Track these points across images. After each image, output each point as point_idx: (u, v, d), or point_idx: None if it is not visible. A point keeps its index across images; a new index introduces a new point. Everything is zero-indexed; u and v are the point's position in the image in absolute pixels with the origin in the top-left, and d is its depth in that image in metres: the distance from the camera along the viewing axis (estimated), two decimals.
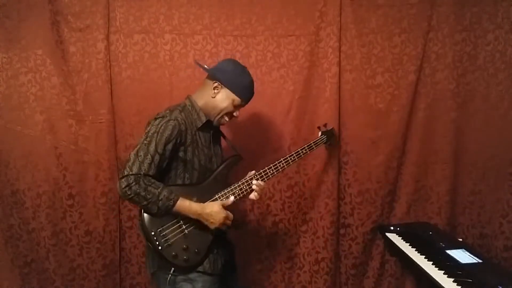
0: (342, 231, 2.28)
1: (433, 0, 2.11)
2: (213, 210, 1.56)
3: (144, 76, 2.13)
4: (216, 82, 1.62)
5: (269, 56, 2.16)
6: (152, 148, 1.49)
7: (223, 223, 1.57)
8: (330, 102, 2.16)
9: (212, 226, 1.56)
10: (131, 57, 2.11)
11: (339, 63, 2.15)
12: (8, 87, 2.04)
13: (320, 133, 1.97)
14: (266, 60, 2.16)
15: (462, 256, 1.80)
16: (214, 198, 1.62)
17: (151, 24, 2.10)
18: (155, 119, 1.57)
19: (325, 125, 2.02)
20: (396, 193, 2.26)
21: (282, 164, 1.77)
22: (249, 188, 1.68)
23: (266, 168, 1.73)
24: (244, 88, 1.66)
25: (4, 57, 2.03)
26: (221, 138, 1.82)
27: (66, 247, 2.15)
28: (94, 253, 2.17)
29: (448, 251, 1.85)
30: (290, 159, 1.80)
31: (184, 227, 1.56)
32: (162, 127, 1.52)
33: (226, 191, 1.65)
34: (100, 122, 2.10)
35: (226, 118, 1.68)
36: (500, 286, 1.52)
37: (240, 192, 1.67)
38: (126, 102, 2.13)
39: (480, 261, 1.75)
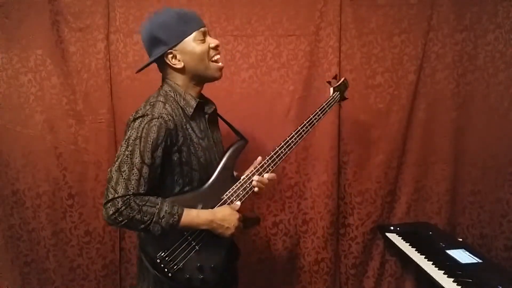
0: (342, 231, 2.28)
1: (433, 0, 2.11)
2: (225, 213, 1.33)
3: (144, 76, 2.11)
4: (166, 55, 1.33)
5: (269, 56, 2.16)
6: (137, 159, 1.21)
7: (238, 226, 1.35)
8: None
9: (227, 232, 1.33)
10: (131, 57, 2.11)
11: (339, 63, 2.15)
12: (8, 87, 2.04)
13: (331, 90, 1.71)
14: (266, 60, 2.16)
15: (462, 256, 1.80)
16: (223, 200, 1.40)
17: None
18: (134, 119, 1.27)
19: (335, 77, 1.77)
20: (396, 193, 2.26)
21: (294, 138, 1.51)
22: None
23: (277, 147, 1.49)
24: (182, 22, 1.32)
25: (4, 57, 2.03)
26: (218, 120, 1.56)
27: (66, 247, 2.15)
28: (94, 253, 2.17)
29: (448, 251, 1.85)
30: (303, 130, 1.53)
31: (193, 243, 1.33)
32: (145, 130, 1.23)
33: (235, 188, 1.42)
34: (100, 122, 2.10)
35: (216, 57, 1.38)
36: (500, 286, 1.52)
37: (251, 186, 1.45)
38: (126, 102, 2.13)
39: (480, 261, 1.75)
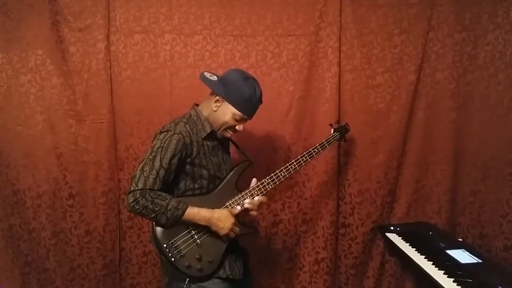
0: (342, 231, 2.28)
1: (433, 0, 2.11)
2: (222, 215, 1.58)
3: (144, 76, 2.13)
4: (217, 96, 1.61)
5: (269, 56, 2.16)
6: (157, 163, 1.51)
7: (232, 229, 1.58)
8: (330, 102, 2.16)
9: (222, 232, 1.57)
10: (131, 57, 2.11)
11: (339, 63, 2.15)
12: (8, 87, 2.05)
13: (332, 131, 1.93)
14: (266, 60, 2.16)
15: (462, 256, 1.80)
16: (225, 206, 1.64)
17: (151, 24, 2.10)
18: (160, 132, 1.58)
19: (337, 122, 2.00)
20: (396, 193, 2.26)
21: (294, 165, 1.75)
22: (260, 193, 1.68)
23: (277, 171, 1.72)
24: (245, 102, 1.61)
25: (4, 57, 2.03)
26: (230, 143, 1.82)
27: (66, 247, 2.16)
28: (94, 253, 2.18)
29: (448, 251, 1.85)
30: (302, 159, 1.77)
31: (196, 236, 1.58)
32: (167, 142, 1.54)
33: (236, 197, 1.66)
34: (100, 122, 2.11)
35: (230, 132, 1.67)
36: (500, 286, 1.52)
37: (251, 198, 1.67)
38: (126, 102, 2.13)
39: (480, 261, 1.75)
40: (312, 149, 1.80)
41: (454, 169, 2.18)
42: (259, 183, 1.69)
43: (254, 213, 1.70)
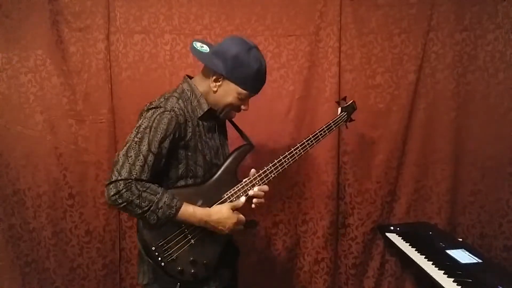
0: (342, 231, 2.28)
1: (433, 0, 2.11)
2: (221, 216, 1.36)
3: (144, 76, 2.13)
4: (215, 73, 1.37)
5: (269, 56, 2.16)
6: (144, 147, 1.26)
7: (234, 229, 1.39)
8: (330, 102, 2.16)
9: (222, 233, 1.38)
10: (131, 57, 2.11)
11: (339, 63, 2.15)
12: (8, 87, 2.04)
13: (339, 110, 1.75)
14: (266, 60, 2.15)
15: (462, 256, 1.80)
16: (223, 199, 1.43)
17: (151, 24, 2.10)
18: (148, 110, 1.34)
19: (344, 99, 1.80)
20: (396, 193, 2.26)
21: (299, 150, 1.56)
22: (262, 183, 1.49)
23: (281, 157, 1.53)
24: (252, 79, 1.38)
25: (4, 57, 2.03)
26: (227, 125, 1.62)
27: (66, 247, 2.15)
28: (94, 253, 2.17)
29: (448, 251, 1.85)
30: (308, 143, 1.57)
31: (189, 236, 1.37)
32: (156, 121, 1.28)
33: (236, 189, 1.45)
34: (100, 122, 2.10)
35: (234, 113, 1.48)
36: (500, 286, 1.52)
37: (252, 188, 1.48)
38: (126, 102, 2.13)
39: (480, 261, 1.75)
40: (319, 132, 1.62)
41: (454, 169, 2.19)
42: (261, 171, 1.49)
43: (261, 200, 1.49)
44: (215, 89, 1.39)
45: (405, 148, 2.22)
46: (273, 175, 1.52)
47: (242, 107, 1.45)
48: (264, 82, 1.45)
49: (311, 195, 2.24)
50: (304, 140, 1.59)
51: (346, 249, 2.28)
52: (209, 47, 1.42)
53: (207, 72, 1.41)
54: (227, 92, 1.39)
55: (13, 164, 2.07)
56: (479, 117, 2.16)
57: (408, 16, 2.13)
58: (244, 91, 1.39)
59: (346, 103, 1.79)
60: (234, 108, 1.45)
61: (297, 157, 1.57)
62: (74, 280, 2.18)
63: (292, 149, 1.57)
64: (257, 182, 1.49)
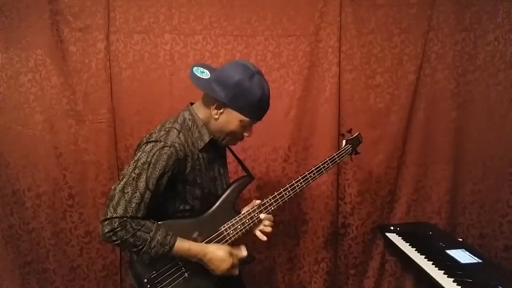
0: (342, 231, 2.28)
1: (433, 0, 2.11)
2: (216, 258, 1.32)
3: (144, 76, 2.13)
4: (216, 100, 1.32)
5: (269, 56, 2.16)
6: (141, 183, 1.22)
7: (227, 272, 1.34)
8: (330, 102, 2.16)
9: (214, 273, 1.34)
10: (131, 57, 2.10)
11: (339, 63, 2.15)
12: (8, 87, 2.04)
13: (344, 143, 1.72)
14: (266, 60, 2.16)
15: (462, 256, 1.80)
16: (219, 231, 1.40)
17: (151, 24, 2.10)
18: (147, 143, 1.28)
19: (349, 131, 1.77)
20: (396, 193, 2.26)
21: (300, 183, 1.52)
22: (257, 220, 1.46)
23: (282, 189, 1.50)
24: (255, 106, 1.32)
25: (4, 57, 2.03)
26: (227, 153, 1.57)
27: (66, 247, 2.15)
28: (94, 254, 2.17)
29: (448, 251, 1.85)
30: (310, 176, 1.54)
31: (183, 269, 1.35)
32: (155, 157, 1.23)
33: (234, 221, 1.42)
34: (100, 122, 2.10)
35: (236, 141, 1.43)
36: (500, 286, 1.52)
37: (250, 221, 1.45)
38: (126, 102, 2.13)
39: (480, 261, 1.75)
40: (322, 164, 1.58)
41: (454, 169, 2.19)
42: (260, 203, 1.47)
43: (268, 229, 1.46)
44: (216, 116, 1.34)
45: (405, 148, 2.22)
46: (272, 208, 1.49)
47: (245, 134, 1.41)
48: (268, 108, 1.40)
49: (311, 195, 2.24)
50: (307, 173, 1.55)
51: (346, 249, 2.28)
52: (210, 72, 1.37)
53: (208, 99, 1.36)
54: (230, 120, 1.34)
55: (12, 164, 2.07)
56: (479, 117, 2.16)
57: (408, 16, 2.13)
58: (247, 119, 1.34)
59: (352, 136, 1.75)
60: (237, 135, 1.40)
61: (298, 190, 1.53)
62: (74, 280, 2.18)
63: (293, 181, 1.53)
64: (255, 215, 1.46)
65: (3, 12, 2.01)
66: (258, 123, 2.15)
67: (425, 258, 1.81)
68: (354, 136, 1.76)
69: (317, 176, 1.55)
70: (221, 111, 1.33)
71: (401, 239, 2.05)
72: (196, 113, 1.37)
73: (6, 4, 2.01)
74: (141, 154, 1.25)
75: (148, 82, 2.13)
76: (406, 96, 2.16)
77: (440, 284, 1.58)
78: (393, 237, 2.09)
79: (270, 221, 1.48)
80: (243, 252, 1.40)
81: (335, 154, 1.64)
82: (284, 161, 2.20)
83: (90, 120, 2.10)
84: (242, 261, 1.41)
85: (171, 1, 2.10)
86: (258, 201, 1.48)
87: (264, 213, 1.47)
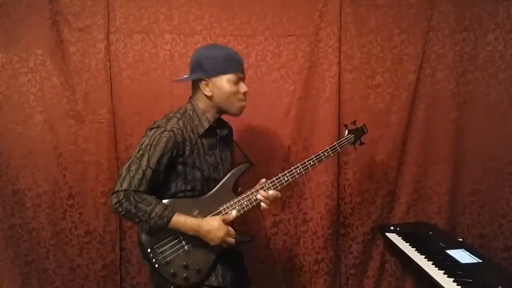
0: (342, 231, 2.28)
1: (433, 0, 2.11)
2: (211, 228, 1.44)
3: (144, 76, 2.13)
4: (201, 80, 1.50)
5: (269, 56, 2.16)
6: (144, 162, 1.40)
7: (224, 241, 1.46)
8: (330, 102, 2.16)
9: (211, 243, 1.46)
10: (131, 57, 2.10)
11: (339, 63, 2.15)
12: (8, 87, 2.04)
13: (346, 132, 1.75)
14: (266, 60, 2.16)
15: (462, 256, 1.80)
16: (218, 211, 1.52)
17: (151, 24, 2.10)
18: (151, 129, 1.47)
19: (354, 123, 1.80)
20: (396, 193, 2.26)
21: (299, 169, 1.59)
22: (255, 202, 1.56)
23: (280, 175, 1.59)
24: (227, 62, 1.49)
25: (4, 57, 2.03)
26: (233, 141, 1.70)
27: (66, 247, 2.15)
28: (94, 253, 2.17)
29: (448, 251, 1.85)
30: (309, 163, 1.61)
31: (184, 242, 1.47)
32: (156, 139, 1.42)
33: (232, 202, 1.54)
34: (100, 122, 2.10)
35: (242, 101, 1.53)
36: (500, 286, 1.52)
37: (248, 203, 1.55)
38: (126, 102, 2.13)
39: (480, 261, 1.75)
40: (322, 152, 1.63)
41: (454, 169, 2.19)
42: (258, 187, 1.57)
43: (266, 206, 1.56)
44: (209, 93, 1.50)
45: (405, 148, 2.22)
46: (270, 191, 1.57)
47: (241, 90, 1.52)
48: (241, 59, 1.55)
49: (311, 195, 2.24)
50: (306, 160, 1.62)
51: (346, 249, 2.28)
52: (186, 75, 1.58)
53: (196, 86, 1.53)
54: (220, 86, 1.49)
55: (13, 164, 2.07)
56: (479, 117, 2.16)
57: (408, 16, 2.13)
58: (230, 75, 1.49)
59: (356, 126, 1.78)
60: (236, 95, 1.51)
61: (297, 176, 1.60)
62: (74, 280, 2.18)
63: (292, 168, 1.60)
64: (253, 197, 1.56)
65: (3, 12, 2.01)
66: (258, 123, 2.16)
67: (425, 258, 1.81)
68: (358, 127, 1.78)
69: (316, 164, 1.62)
70: (208, 85, 1.50)
71: (401, 239, 2.05)
72: (196, 104, 1.54)
73: (6, 4, 2.01)
74: (145, 138, 1.45)
75: (148, 82, 2.13)
76: (406, 96, 2.16)
77: (440, 284, 1.58)
78: (393, 237, 2.09)
79: (269, 198, 1.57)
80: (233, 213, 1.52)
81: (336, 143, 1.69)
82: (284, 161, 2.20)
83: (90, 120, 2.10)
84: (240, 239, 1.52)
85: (171, 1, 2.10)
86: (263, 180, 1.59)
87: (267, 191, 1.56)
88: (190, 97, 1.58)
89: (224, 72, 1.48)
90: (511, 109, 2.07)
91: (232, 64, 1.51)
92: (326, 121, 2.15)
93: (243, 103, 1.55)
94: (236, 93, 1.51)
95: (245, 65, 1.58)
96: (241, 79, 1.54)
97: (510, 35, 2.05)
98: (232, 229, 1.50)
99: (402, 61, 2.16)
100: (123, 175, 1.41)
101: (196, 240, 1.46)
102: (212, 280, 1.50)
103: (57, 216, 2.13)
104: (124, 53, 2.10)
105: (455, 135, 2.17)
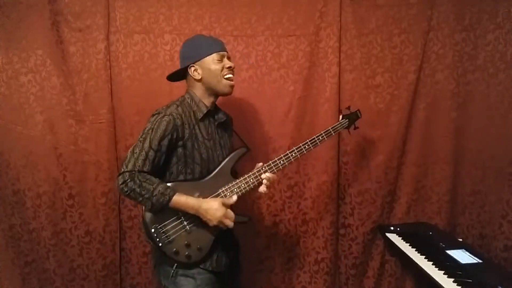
0: (342, 231, 2.28)
1: (433, 0, 2.11)
2: (211, 208, 1.51)
3: (144, 76, 2.13)
4: (189, 68, 1.63)
5: (269, 56, 2.16)
6: (146, 144, 1.50)
7: (222, 222, 1.52)
8: (330, 102, 2.16)
9: (210, 224, 1.53)
10: (131, 57, 2.11)
11: (339, 63, 2.15)
12: (8, 87, 2.05)
13: (340, 117, 1.83)
14: (266, 60, 2.16)
15: (462, 256, 1.80)
16: (217, 193, 1.59)
17: (151, 24, 2.10)
18: (152, 115, 1.58)
19: (348, 108, 1.87)
20: (396, 193, 2.26)
21: (295, 153, 1.68)
22: (257, 181, 1.64)
23: (276, 158, 1.66)
24: (206, 45, 1.63)
25: (4, 57, 2.03)
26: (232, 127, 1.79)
27: (66, 247, 2.15)
28: (94, 253, 2.17)
29: (448, 251, 1.85)
30: (304, 147, 1.69)
31: (185, 223, 1.55)
32: (157, 123, 1.53)
33: (230, 185, 1.61)
34: (100, 122, 2.10)
35: (228, 76, 1.63)
36: (500, 286, 1.52)
37: (246, 186, 1.62)
38: (126, 102, 2.13)
39: (480, 261, 1.75)
40: (316, 136, 1.71)
41: (454, 169, 2.19)
42: (255, 170, 1.65)
43: (265, 189, 1.65)
44: (199, 76, 1.62)
45: (405, 148, 2.22)
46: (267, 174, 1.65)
47: (226, 65, 1.63)
48: (218, 39, 1.69)
49: (311, 195, 2.24)
50: (301, 144, 1.69)
51: (346, 249, 2.28)
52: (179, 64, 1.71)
53: (188, 75, 1.66)
54: (206, 67, 1.61)
55: (13, 164, 2.07)
56: (479, 117, 2.15)
57: (408, 16, 2.13)
58: (212, 55, 1.61)
59: (350, 111, 1.86)
60: (224, 72, 1.62)
61: (292, 159, 1.68)
62: (74, 280, 2.18)
63: (288, 152, 1.68)
64: (250, 181, 1.63)
65: (3, 12, 2.01)
66: (258, 123, 2.16)
67: (425, 258, 1.81)
68: (352, 111, 1.86)
69: (311, 147, 1.71)
70: (196, 70, 1.62)
71: (401, 239, 2.05)
72: (193, 92, 1.66)
73: (6, 4, 2.01)
74: (147, 124, 1.56)
75: (148, 82, 2.13)
76: (406, 96, 2.16)
77: (440, 285, 1.58)
78: (393, 237, 2.09)
79: (270, 180, 1.66)
80: (233, 198, 1.58)
81: (330, 127, 1.76)
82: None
83: (90, 120, 2.10)
84: (237, 219, 1.57)
85: (171, 1, 2.10)
86: (260, 164, 1.68)
87: (259, 179, 1.64)
88: (187, 89, 1.69)
89: (207, 54, 1.61)
90: (511, 109, 2.07)
91: (213, 45, 1.64)
92: (326, 121, 2.15)
93: (231, 76, 1.64)
94: (222, 69, 1.62)
95: (226, 47, 1.70)
96: (225, 56, 1.65)
97: (510, 35, 2.05)
98: (231, 212, 1.55)
99: (402, 61, 2.16)
100: (128, 157, 1.50)
101: (197, 220, 1.54)
102: (207, 265, 1.58)
103: (57, 216, 2.13)
104: (124, 53, 2.10)
105: (455, 135, 2.17)
